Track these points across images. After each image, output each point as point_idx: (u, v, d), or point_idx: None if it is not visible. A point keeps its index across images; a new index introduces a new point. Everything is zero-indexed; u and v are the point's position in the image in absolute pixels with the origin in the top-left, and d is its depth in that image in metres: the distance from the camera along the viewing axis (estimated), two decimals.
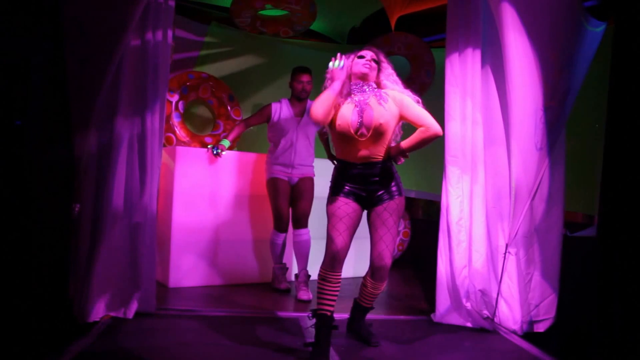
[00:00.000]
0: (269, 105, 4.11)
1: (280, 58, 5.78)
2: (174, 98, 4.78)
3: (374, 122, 2.63)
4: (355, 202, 2.73)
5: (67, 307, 2.95)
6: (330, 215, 2.71)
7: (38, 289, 2.85)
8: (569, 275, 3.50)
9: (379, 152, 2.71)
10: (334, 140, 2.81)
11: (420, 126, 2.69)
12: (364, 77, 2.73)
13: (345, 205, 2.70)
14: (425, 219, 6.11)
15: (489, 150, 3.43)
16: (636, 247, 2.75)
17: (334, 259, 2.63)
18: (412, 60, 5.30)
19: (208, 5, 5.49)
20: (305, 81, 4.00)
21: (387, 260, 2.73)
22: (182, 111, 4.85)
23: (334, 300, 2.66)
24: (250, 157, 4.37)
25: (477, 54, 3.34)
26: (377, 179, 2.72)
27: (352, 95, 2.73)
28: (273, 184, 4.01)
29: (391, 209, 2.74)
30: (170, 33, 3.25)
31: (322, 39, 6.24)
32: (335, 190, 2.77)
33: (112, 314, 3.05)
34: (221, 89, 5.10)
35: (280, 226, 4.02)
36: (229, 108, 5.11)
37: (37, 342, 2.57)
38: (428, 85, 5.20)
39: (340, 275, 2.66)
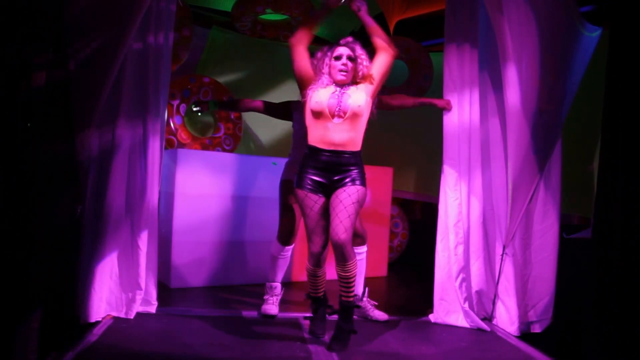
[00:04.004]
0: None
1: (281, 61, 5.80)
2: (175, 101, 4.82)
3: (351, 106, 2.69)
4: (323, 196, 2.76)
5: (69, 307, 2.97)
6: (305, 215, 2.79)
7: (40, 288, 2.87)
8: (565, 276, 3.53)
9: (352, 140, 2.73)
10: (306, 125, 2.81)
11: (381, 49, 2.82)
12: (341, 83, 2.77)
13: (316, 204, 2.75)
14: (423, 221, 6.13)
15: (486, 152, 3.47)
16: (631, 248, 2.78)
17: (318, 259, 2.83)
18: (410, 64, 5.33)
19: (209, 9, 5.53)
20: None
21: (342, 235, 2.64)
22: (183, 114, 4.89)
23: (324, 284, 2.92)
24: (250, 159, 4.40)
25: (475, 58, 3.38)
26: (345, 167, 2.73)
27: (330, 84, 2.77)
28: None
29: (350, 191, 2.70)
30: (171, 37, 3.28)
31: (322, 42, 6.27)
32: (302, 183, 2.76)
33: (114, 314, 3.08)
34: (222, 92, 5.13)
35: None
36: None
37: (39, 342, 2.59)
38: (426, 89, 5.23)
39: (324, 267, 2.89)
